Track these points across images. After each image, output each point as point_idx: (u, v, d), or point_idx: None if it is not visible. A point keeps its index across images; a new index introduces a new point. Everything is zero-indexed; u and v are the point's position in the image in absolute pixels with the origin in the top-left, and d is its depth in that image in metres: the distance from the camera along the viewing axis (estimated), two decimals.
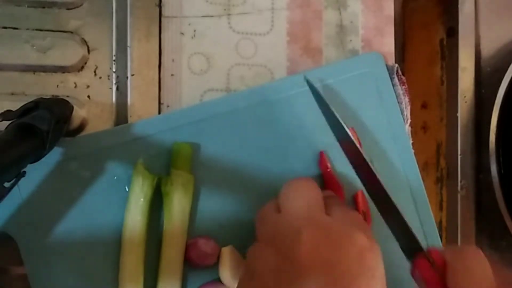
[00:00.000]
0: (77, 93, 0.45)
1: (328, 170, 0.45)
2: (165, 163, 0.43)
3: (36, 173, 0.41)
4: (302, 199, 0.36)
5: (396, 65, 0.48)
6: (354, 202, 0.46)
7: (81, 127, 0.44)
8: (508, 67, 0.50)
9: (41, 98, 0.39)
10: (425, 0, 0.54)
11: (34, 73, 0.44)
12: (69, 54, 0.44)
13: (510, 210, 0.50)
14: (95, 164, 0.42)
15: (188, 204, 0.42)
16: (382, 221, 0.43)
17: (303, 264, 0.32)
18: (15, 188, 0.35)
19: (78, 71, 0.45)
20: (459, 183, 0.51)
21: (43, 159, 0.38)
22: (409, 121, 0.48)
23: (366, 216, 0.45)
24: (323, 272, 0.31)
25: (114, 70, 0.45)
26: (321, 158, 0.45)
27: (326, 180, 0.45)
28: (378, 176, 0.40)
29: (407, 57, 0.54)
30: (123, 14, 0.46)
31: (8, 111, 0.37)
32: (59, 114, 0.39)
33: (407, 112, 0.48)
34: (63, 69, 0.44)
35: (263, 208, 0.39)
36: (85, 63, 0.45)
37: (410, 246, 0.39)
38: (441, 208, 0.53)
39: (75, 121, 0.44)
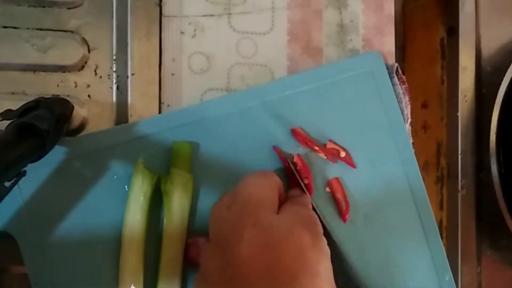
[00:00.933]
0: (77, 92, 0.45)
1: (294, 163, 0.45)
2: (165, 162, 0.43)
3: (36, 172, 0.41)
4: (253, 196, 0.35)
5: (396, 64, 0.48)
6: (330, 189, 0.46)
7: (81, 126, 0.44)
8: (508, 66, 0.50)
9: (42, 97, 0.39)
10: None
11: (34, 73, 0.44)
12: (70, 53, 0.44)
13: (511, 210, 0.50)
14: (96, 164, 0.42)
15: (187, 203, 0.42)
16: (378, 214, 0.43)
17: (244, 268, 0.32)
18: (16, 187, 0.35)
19: (79, 70, 0.45)
20: (459, 183, 0.51)
21: (43, 159, 0.38)
22: (409, 120, 0.48)
23: (344, 203, 0.45)
24: (263, 274, 0.31)
25: (114, 69, 0.45)
26: (279, 154, 0.45)
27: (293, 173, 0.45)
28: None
29: (408, 56, 0.54)
30: (124, 14, 0.46)
31: (9, 110, 0.37)
32: (60, 114, 0.39)
33: (407, 111, 0.48)
34: (63, 69, 0.44)
35: (217, 202, 0.38)
36: (86, 62, 0.45)
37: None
38: (441, 208, 0.53)
39: (76, 121, 0.44)
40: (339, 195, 0.45)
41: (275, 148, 0.45)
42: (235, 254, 0.32)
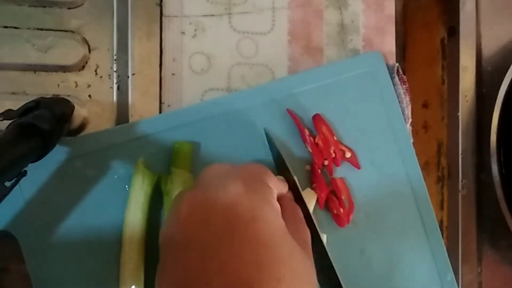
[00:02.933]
0: (78, 92, 0.45)
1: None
2: (165, 162, 0.43)
3: (37, 172, 0.41)
4: (250, 170, 0.35)
5: (397, 64, 0.48)
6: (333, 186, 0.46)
7: (82, 126, 0.44)
8: (509, 66, 0.50)
9: (42, 97, 0.39)
10: None
11: (35, 73, 0.44)
12: (70, 53, 0.44)
13: (511, 210, 0.50)
14: (96, 163, 0.42)
15: None
16: (383, 216, 0.43)
17: (183, 229, 0.31)
18: (17, 187, 0.35)
19: (79, 70, 0.45)
20: (460, 183, 0.51)
21: (44, 159, 0.38)
22: (410, 120, 0.48)
23: (348, 204, 0.45)
24: (201, 230, 0.30)
25: (115, 69, 0.45)
26: (293, 117, 0.45)
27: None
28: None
29: (408, 56, 0.54)
30: (124, 14, 0.46)
31: (9, 110, 0.37)
32: (60, 114, 0.39)
33: (408, 111, 0.48)
34: (64, 69, 0.44)
35: (212, 165, 0.36)
36: (86, 62, 0.45)
37: None
38: (442, 208, 0.53)
39: (76, 121, 0.44)
40: (343, 196, 0.45)
41: (289, 111, 0.45)
42: (177, 216, 0.31)
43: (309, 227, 0.36)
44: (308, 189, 0.45)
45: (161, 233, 0.33)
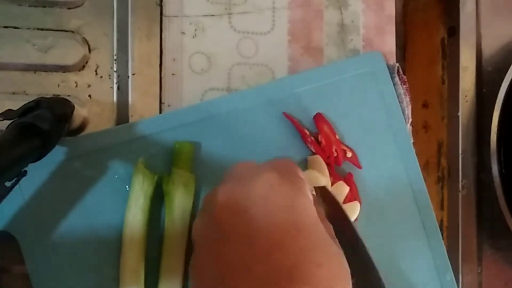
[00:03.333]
0: (78, 92, 0.45)
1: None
2: (166, 162, 0.43)
3: (37, 172, 0.41)
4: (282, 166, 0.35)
5: (397, 64, 0.48)
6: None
7: (82, 126, 0.44)
8: (509, 66, 0.50)
9: (42, 97, 0.39)
10: None
11: (35, 73, 0.44)
12: (70, 53, 0.44)
13: (511, 210, 0.50)
14: (96, 164, 0.42)
15: (189, 203, 0.42)
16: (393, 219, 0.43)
17: (218, 219, 0.31)
18: (16, 187, 0.35)
19: (79, 70, 0.45)
20: (460, 183, 0.51)
21: (44, 159, 0.38)
22: (410, 120, 0.48)
23: (355, 198, 0.46)
24: (237, 221, 0.30)
25: (115, 69, 0.45)
26: (291, 120, 0.45)
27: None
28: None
29: (408, 56, 0.54)
30: (124, 14, 0.46)
31: (9, 110, 0.37)
32: (60, 114, 0.39)
33: (408, 111, 0.48)
34: (64, 69, 0.44)
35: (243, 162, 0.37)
36: (86, 62, 0.45)
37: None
38: (442, 208, 0.53)
39: (76, 121, 0.44)
40: (350, 194, 0.45)
41: (286, 114, 0.45)
42: (212, 209, 0.32)
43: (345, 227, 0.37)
44: (341, 182, 0.45)
45: (194, 226, 0.33)
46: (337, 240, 0.34)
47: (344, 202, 0.45)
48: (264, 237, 0.29)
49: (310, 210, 0.31)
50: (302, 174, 0.35)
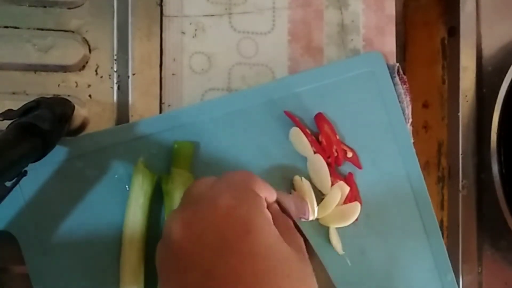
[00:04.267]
0: (78, 92, 0.45)
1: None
2: (166, 162, 0.43)
3: (37, 172, 0.41)
4: (237, 181, 0.34)
5: (397, 64, 0.48)
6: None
7: (82, 126, 0.44)
8: (509, 66, 0.50)
9: (42, 97, 0.39)
10: None
11: (35, 73, 0.44)
12: (70, 53, 0.44)
13: (511, 210, 0.50)
14: (96, 163, 0.42)
15: None
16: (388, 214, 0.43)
17: (178, 247, 0.31)
18: (17, 187, 0.35)
19: (79, 70, 0.45)
20: (460, 183, 0.51)
21: (44, 159, 0.38)
22: (410, 120, 0.48)
23: (355, 198, 0.46)
24: (194, 242, 0.30)
25: (115, 69, 0.45)
26: (292, 119, 0.45)
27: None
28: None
29: (408, 56, 0.54)
30: (124, 14, 0.46)
31: (9, 110, 0.37)
32: (60, 114, 0.39)
33: (408, 111, 0.48)
34: (64, 69, 0.44)
35: (197, 181, 0.36)
36: (86, 62, 0.45)
37: None
38: (442, 208, 0.53)
39: (76, 121, 0.44)
40: (351, 193, 0.45)
41: (287, 112, 0.45)
42: (170, 238, 0.31)
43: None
44: (341, 182, 0.45)
45: (156, 256, 0.33)
46: (305, 252, 0.34)
47: (345, 202, 0.45)
48: (223, 265, 0.29)
49: (267, 232, 0.31)
50: (261, 186, 0.34)
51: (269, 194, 0.36)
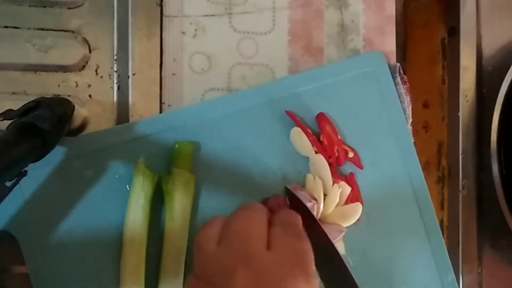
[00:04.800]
0: (78, 92, 0.45)
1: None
2: (166, 162, 0.43)
3: (37, 172, 0.41)
4: (243, 234, 0.34)
5: (398, 64, 0.48)
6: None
7: (82, 126, 0.44)
8: (509, 66, 0.50)
9: (42, 97, 0.39)
10: None
11: (35, 73, 0.44)
12: (70, 53, 0.44)
13: (511, 210, 0.50)
14: (96, 163, 0.42)
15: (189, 203, 0.42)
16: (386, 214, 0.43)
17: None
18: (17, 187, 0.35)
19: (79, 70, 0.45)
20: (460, 183, 0.51)
21: (44, 159, 0.38)
22: (410, 120, 0.48)
23: (357, 198, 0.46)
24: None
25: (115, 69, 0.45)
26: (293, 118, 0.45)
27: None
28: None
29: (409, 56, 0.54)
30: (124, 14, 0.46)
31: (9, 110, 0.37)
32: (60, 114, 0.39)
33: (409, 111, 0.48)
34: (64, 69, 0.44)
35: (203, 233, 0.35)
36: (86, 62, 0.45)
37: None
38: (442, 208, 0.53)
39: (76, 121, 0.44)
40: (352, 193, 0.45)
41: (288, 112, 0.45)
42: None
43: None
44: (342, 182, 0.45)
45: None
46: (311, 271, 0.33)
47: (346, 202, 0.45)
48: None
49: None
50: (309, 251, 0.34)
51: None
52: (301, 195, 0.42)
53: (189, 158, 0.43)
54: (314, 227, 0.39)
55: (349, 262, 0.45)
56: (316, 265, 0.35)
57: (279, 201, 0.43)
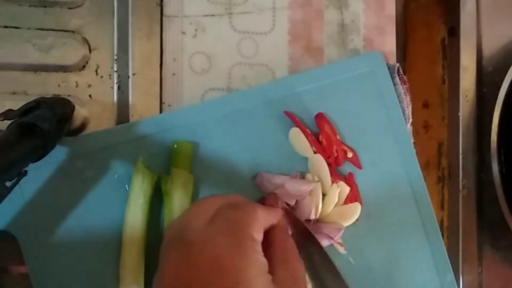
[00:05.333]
0: (78, 92, 0.45)
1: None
2: (165, 162, 0.43)
3: (37, 172, 0.41)
4: (187, 219, 0.34)
5: (398, 64, 0.48)
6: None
7: (82, 126, 0.44)
8: (509, 66, 0.50)
9: (43, 97, 0.39)
10: None
11: (35, 73, 0.44)
12: (71, 53, 0.44)
13: None
14: (96, 163, 0.42)
15: (188, 202, 0.42)
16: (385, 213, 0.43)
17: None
18: (17, 187, 0.35)
19: (80, 70, 0.45)
20: (460, 183, 0.51)
21: (44, 159, 0.38)
22: (410, 120, 0.48)
23: (356, 198, 0.46)
24: None
25: (115, 69, 0.45)
26: (292, 119, 0.45)
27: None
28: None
29: (409, 56, 0.54)
30: (125, 14, 0.46)
31: (10, 110, 0.37)
32: (61, 114, 0.39)
33: (409, 111, 0.48)
34: (64, 69, 0.44)
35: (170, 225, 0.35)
36: (87, 62, 0.45)
37: None
38: (442, 208, 0.53)
39: (77, 121, 0.44)
40: (351, 193, 0.45)
41: (287, 113, 0.45)
42: (161, 277, 0.31)
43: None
44: (342, 182, 0.45)
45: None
46: (302, 283, 0.33)
47: (345, 203, 0.45)
48: None
49: (258, 284, 0.30)
50: (258, 223, 0.33)
51: (272, 218, 0.35)
52: (302, 181, 0.42)
53: (188, 158, 0.43)
54: (309, 241, 0.39)
55: (350, 262, 0.45)
56: (312, 277, 0.36)
57: (276, 199, 0.43)
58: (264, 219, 0.34)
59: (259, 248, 0.32)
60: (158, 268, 0.33)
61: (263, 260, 0.31)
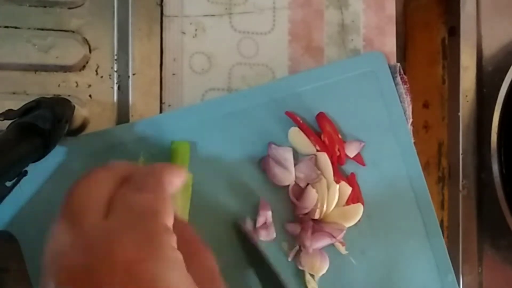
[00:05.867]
0: (78, 92, 0.45)
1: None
2: (166, 162, 0.43)
3: (37, 172, 0.41)
4: (74, 204, 0.28)
5: (398, 64, 0.48)
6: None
7: (82, 126, 0.44)
8: (509, 66, 0.50)
9: (43, 97, 0.39)
10: None
11: (35, 73, 0.44)
12: (71, 53, 0.44)
13: None
14: (97, 163, 0.42)
15: (187, 202, 0.42)
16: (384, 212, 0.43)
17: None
18: (17, 187, 0.35)
19: (80, 70, 0.45)
20: (460, 183, 0.51)
21: (44, 159, 0.38)
22: (410, 120, 0.48)
23: (358, 198, 0.46)
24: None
25: (115, 69, 0.45)
26: (293, 118, 0.46)
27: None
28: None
29: (409, 56, 0.54)
30: (125, 14, 0.46)
31: (10, 110, 0.37)
32: (61, 114, 0.39)
33: (409, 111, 0.48)
34: (64, 68, 0.44)
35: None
36: (87, 62, 0.45)
37: None
38: (442, 208, 0.53)
39: (77, 121, 0.44)
40: (353, 194, 0.45)
41: (288, 113, 0.45)
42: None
43: None
44: (343, 183, 0.45)
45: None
46: (216, 272, 0.29)
47: (347, 203, 0.45)
48: None
49: (183, 284, 0.24)
50: (169, 211, 0.27)
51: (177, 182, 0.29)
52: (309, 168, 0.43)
53: (186, 158, 0.43)
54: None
55: (352, 262, 0.45)
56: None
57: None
58: (171, 207, 0.27)
59: (174, 241, 0.26)
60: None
61: (180, 257, 0.25)
